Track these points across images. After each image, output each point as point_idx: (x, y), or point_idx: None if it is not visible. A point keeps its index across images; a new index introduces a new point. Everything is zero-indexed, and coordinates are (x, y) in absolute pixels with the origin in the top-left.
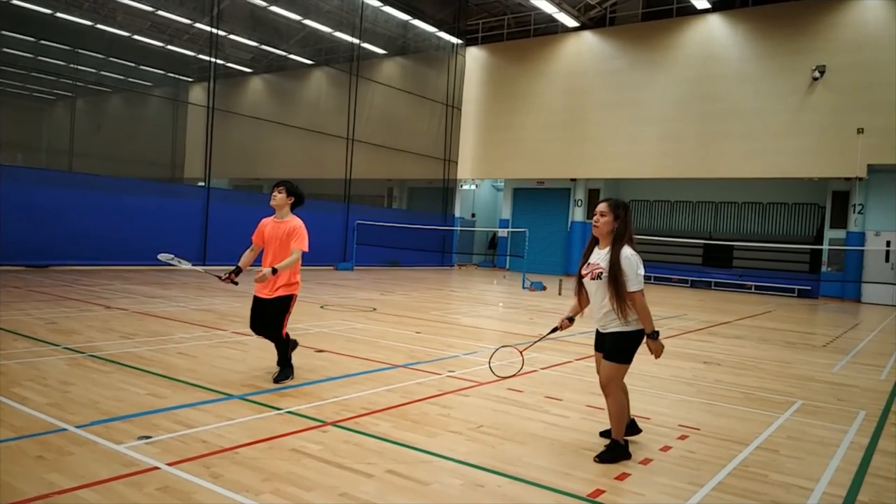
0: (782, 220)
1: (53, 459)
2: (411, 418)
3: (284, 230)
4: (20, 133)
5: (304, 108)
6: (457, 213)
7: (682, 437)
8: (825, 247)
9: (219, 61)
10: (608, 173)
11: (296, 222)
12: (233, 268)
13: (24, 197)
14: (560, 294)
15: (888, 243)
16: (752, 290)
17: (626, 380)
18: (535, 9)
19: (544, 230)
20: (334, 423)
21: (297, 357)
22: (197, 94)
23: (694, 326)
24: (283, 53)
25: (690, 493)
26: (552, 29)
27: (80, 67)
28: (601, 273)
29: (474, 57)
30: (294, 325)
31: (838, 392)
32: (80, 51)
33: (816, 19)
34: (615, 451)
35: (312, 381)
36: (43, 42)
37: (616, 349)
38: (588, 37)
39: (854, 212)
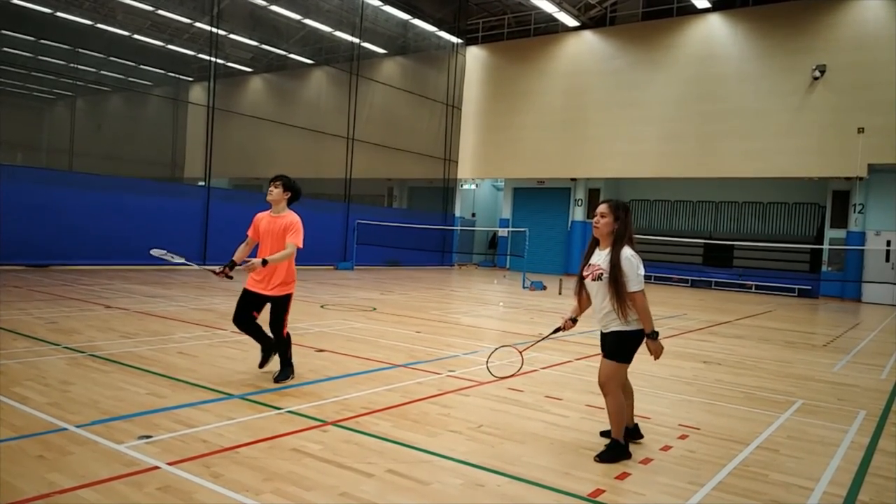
0: (782, 219)
1: (54, 459)
2: (411, 418)
3: (281, 225)
4: (20, 132)
5: (304, 107)
6: (457, 213)
7: (683, 437)
8: (825, 246)
9: (219, 61)
10: (608, 173)
11: (292, 217)
12: (228, 262)
13: (24, 196)
14: (560, 294)
15: (888, 243)
16: (753, 290)
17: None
18: (536, 8)
19: (544, 230)
20: (335, 423)
21: (297, 357)
22: (197, 93)
23: (694, 326)
24: (284, 53)
25: (691, 492)
26: (552, 28)
27: (80, 67)
28: (602, 274)
29: (474, 56)
30: (294, 325)
31: (839, 392)
32: (81, 50)
33: (816, 19)
34: (615, 450)
35: (313, 380)
36: (43, 41)
37: (616, 348)
38: (588, 36)
39: (854, 211)
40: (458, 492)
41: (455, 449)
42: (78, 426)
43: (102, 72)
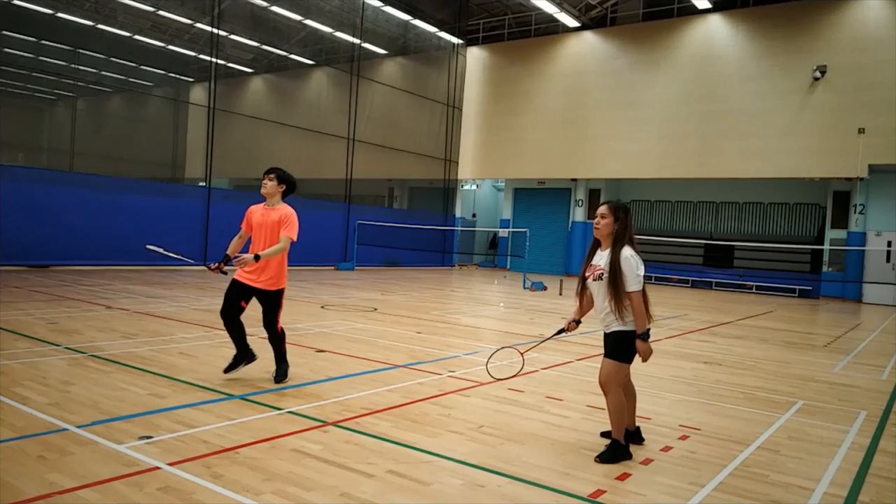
0: (783, 220)
1: (54, 459)
2: (412, 418)
3: (274, 218)
4: (21, 133)
5: (304, 108)
6: (457, 213)
7: (683, 438)
8: (826, 247)
9: (219, 61)
10: (609, 173)
11: (286, 210)
12: (222, 257)
13: (24, 197)
14: (561, 294)
15: (889, 243)
16: (753, 291)
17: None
18: (536, 9)
19: (545, 230)
20: (335, 424)
21: (297, 357)
22: (198, 94)
23: (695, 326)
24: (284, 53)
25: (691, 493)
26: (553, 29)
27: (80, 67)
28: (602, 274)
29: (475, 57)
30: (295, 326)
31: (839, 392)
32: (81, 51)
33: (817, 19)
34: (616, 450)
35: (313, 381)
36: (44, 42)
37: (616, 348)
38: (589, 37)
39: (855, 212)
40: (459, 492)
41: (455, 449)
42: (78, 426)
43: (103, 72)
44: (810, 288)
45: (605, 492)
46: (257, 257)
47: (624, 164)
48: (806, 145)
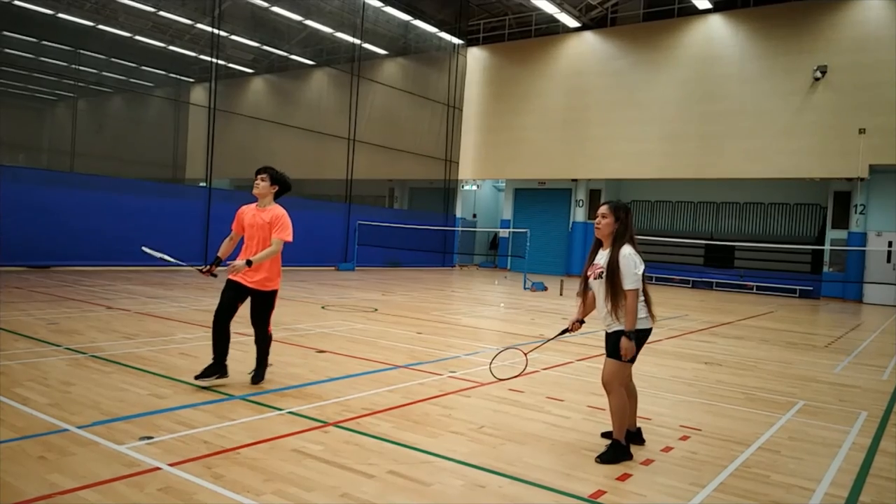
0: (784, 220)
1: (55, 460)
2: (412, 419)
3: (266, 219)
4: (22, 134)
5: (305, 108)
6: (458, 214)
7: (684, 438)
8: (827, 247)
9: (220, 62)
10: (609, 174)
11: (278, 211)
12: (213, 259)
13: (25, 197)
14: (561, 294)
15: (890, 244)
16: (754, 291)
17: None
18: (537, 9)
19: (546, 231)
20: (335, 424)
21: (298, 357)
22: (198, 94)
23: (695, 327)
24: (285, 54)
25: (692, 493)
26: (553, 29)
27: (81, 68)
28: (602, 272)
29: (475, 57)
30: (296, 326)
31: (840, 393)
32: (82, 51)
33: (818, 19)
34: (616, 451)
35: (314, 381)
36: (44, 43)
37: (618, 347)
38: (589, 37)
39: (856, 212)
40: (459, 493)
41: (456, 450)
42: (79, 427)
43: (104, 73)
44: (811, 288)
45: (605, 492)
46: (249, 263)
47: (624, 164)
48: (806, 145)
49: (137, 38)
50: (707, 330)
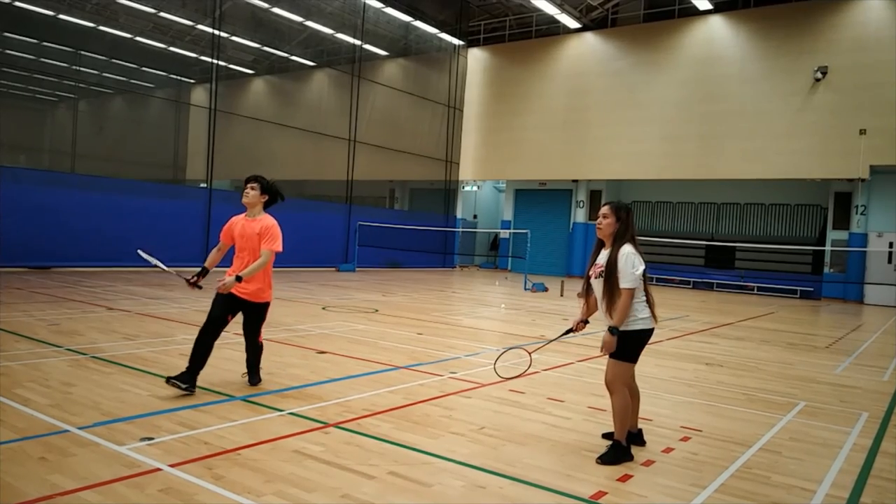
0: (784, 221)
1: (55, 461)
2: (413, 419)
3: (256, 229)
4: (22, 135)
5: (305, 109)
6: (458, 215)
7: (685, 439)
8: (827, 248)
9: (221, 63)
10: (610, 174)
11: (268, 221)
12: (198, 269)
13: (26, 198)
14: (562, 295)
15: (891, 244)
16: (755, 292)
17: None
18: (537, 10)
19: (546, 231)
20: (336, 425)
21: (298, 358)
22: (199, 95)
23: (696, 328)
24: (285, 55)
25: (693, 494)
26: (554, 30)
27: (82, 69)
28: (602, 271)
29: (476, 58)
30: (296, 327)
31: (841, 394)
32: (83, 52)
33: (818, 20)
34: (617, 452)
35: (314, 382)
36: (45, 44)
37: (620, 348)
38: (590, 38)
39: (856, 213)
40: (460, 493)
41: (457, 451)
42: (80, 428)
43: (105, 74)
44: (812, 289)
45: (606, 493)
46: (239, 278)
47: (625, 165)
48: (807, 146)
49: (138, 39)
50: (708, 331)
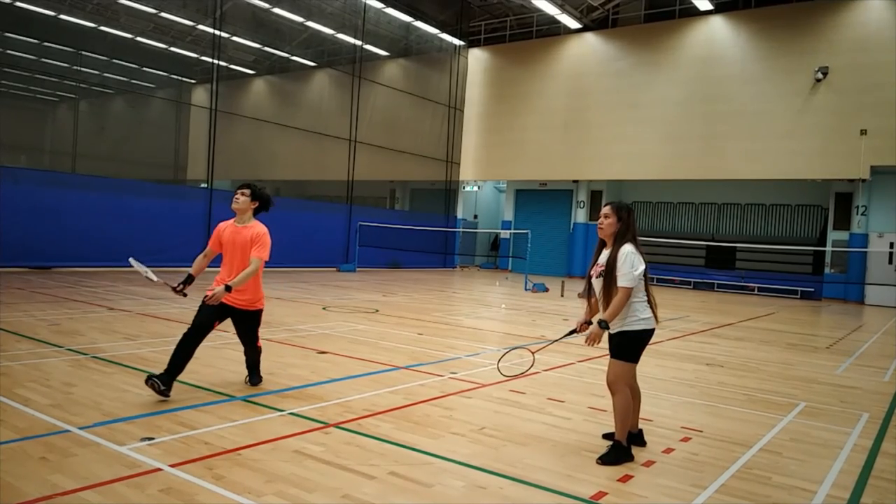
0: (785, 221)
1: (56, 461)
2: (413, 420)
3: (246, 237)
4: (23, 135)
5: (306, 109)
6: (459, 215)
7: (685, 440)
8: (828, 248)
9: (221, 63)
10: (611, 175)
11: (258, 228)
12: (184, 276)
13: (27, 198)
14: (562, 296)
15: (891, 245)
16: (755, 292)
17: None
18: (538, 10)
19: (547, 232)
20: (336, 425)
21: (299, 358)
22: (200, 95)
23: (696, 328)
24: (286, 55)
25: (693, 495)
26: (555, 30)
27: (83, 69)
28: (602, 271)
29: (477, 58)
30: (297, 327)
31: (841, 394)
32: (84, 53)
33: (819, 20)
34: (618, 452)
35: (315, 382)
36: (46, 44)
37: (622, 348)
38: (590, 38)
39: (857, 213)
40: (460, 494)
41: (457, 451)
42: (80, 428)
43: (105, 74)
44: (812, 289)
45: (606, 493)
46: (228, 288)
47: (626, 165)
48: (808, 147)
49: (139, 39)
50: (708, 331)
